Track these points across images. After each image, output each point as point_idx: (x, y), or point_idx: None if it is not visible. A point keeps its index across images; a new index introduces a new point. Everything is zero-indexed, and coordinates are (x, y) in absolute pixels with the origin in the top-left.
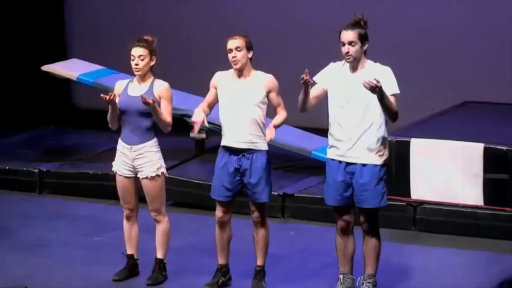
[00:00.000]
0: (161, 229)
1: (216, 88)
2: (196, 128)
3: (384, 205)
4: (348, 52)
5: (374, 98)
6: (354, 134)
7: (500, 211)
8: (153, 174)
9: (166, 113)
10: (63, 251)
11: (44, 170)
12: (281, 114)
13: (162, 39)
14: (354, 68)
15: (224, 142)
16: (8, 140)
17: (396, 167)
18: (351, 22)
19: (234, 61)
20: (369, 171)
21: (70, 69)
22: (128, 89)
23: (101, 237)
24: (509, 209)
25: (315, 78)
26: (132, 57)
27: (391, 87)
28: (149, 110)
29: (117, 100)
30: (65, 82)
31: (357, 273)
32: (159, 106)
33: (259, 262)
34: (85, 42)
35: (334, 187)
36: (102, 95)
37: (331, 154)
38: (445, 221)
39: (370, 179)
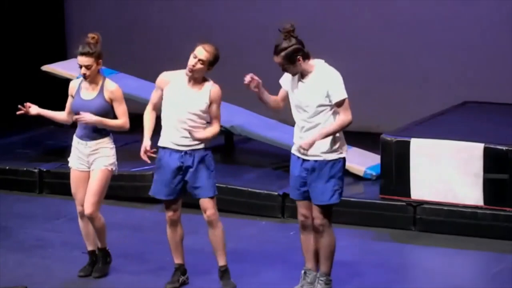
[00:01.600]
0: (96, 227)
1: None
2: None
3: (334, 203)
4: (287, 73)
5: (322, 103)
6: (306, 135)
7: (500, 211)
8: (103, 167)
9: (120, 114)
10: (63, 251)
11: (44, 170)
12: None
13: (162, 38)
14: (302, 76)
15: (162, 143)
16: (8, 140)
17: (396, 167)
18: (276, 43)
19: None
20: (319, 168)
21: (70, 69)
22: (80, 91)
23: None
24: (509, 209)
25: (280, 81)
26: (79, 65)
27: (337, 94)
28: (102, 113)
29: (70, 101)
30: (65, 82)
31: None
32: (112, 107)
33: (221, 262)
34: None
35: (293, 182)
36: (21, 109)
37: (292, 149)
38: (445, 221)
39: (320, 176)
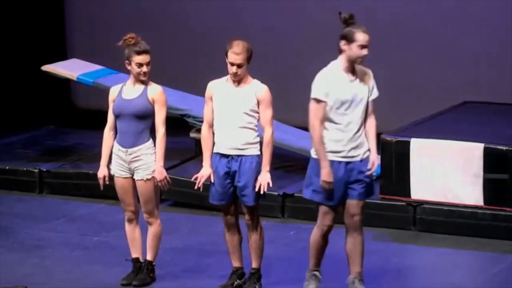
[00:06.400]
0: (153, 231)
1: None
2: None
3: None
4: (366, 55)
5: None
6: (356, 134)
7: (500, 211)
8: (149, 177)
9: (159, 121)
10: (63, 251)
11: (44, 170)
12: (266, 148)
13: (162, 39)
14: (350, 70)
15: (215, 148)
16: (8, 140)
17: (396, 167)
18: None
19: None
20: (365, 166)
21: (70, 69)
22: (122, 92)
23: (101, 237)
24: (509, 209)
25: (319, 97)
26: (138, 65)
27: (376, 91)
28: (144, 113)
29: (111, 106)
30: (65, 82)
31: (343, 272)
32: (153, 109)
33: (254, 264)
34: (85, 42)
35: (337, 187)
36: (101, 186)
37: (331, 156)
38: (445, 221)
39: (366, 173)
